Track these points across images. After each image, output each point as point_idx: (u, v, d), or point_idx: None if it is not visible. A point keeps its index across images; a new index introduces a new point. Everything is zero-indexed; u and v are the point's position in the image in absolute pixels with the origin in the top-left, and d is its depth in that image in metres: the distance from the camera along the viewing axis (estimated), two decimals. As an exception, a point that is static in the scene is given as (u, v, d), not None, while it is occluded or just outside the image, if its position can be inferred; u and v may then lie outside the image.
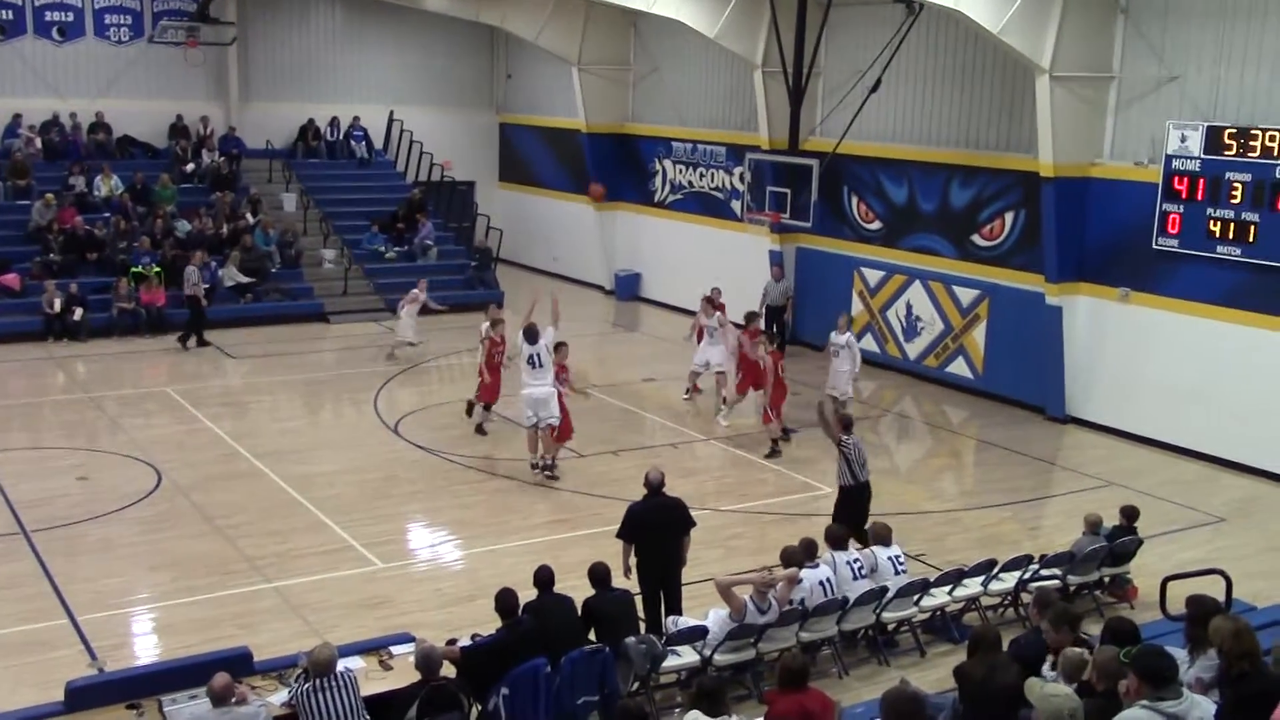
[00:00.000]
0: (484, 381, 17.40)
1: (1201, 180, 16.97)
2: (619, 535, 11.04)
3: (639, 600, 10.62)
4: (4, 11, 26.60)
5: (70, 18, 27.27)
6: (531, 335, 15.47)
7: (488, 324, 17.97)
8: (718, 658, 10.05)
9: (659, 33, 27.12)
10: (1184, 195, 17.22)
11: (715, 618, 10.22)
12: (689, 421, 18.55)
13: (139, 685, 8.61)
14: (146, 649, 11.04)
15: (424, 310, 22.33)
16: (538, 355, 15.37)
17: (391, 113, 30.83)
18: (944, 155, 21.23)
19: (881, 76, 20.56)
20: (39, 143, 26.65)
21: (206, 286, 24.07)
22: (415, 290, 22.29)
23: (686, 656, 10.08)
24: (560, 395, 15.66)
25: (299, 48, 29.95)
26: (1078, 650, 7.99)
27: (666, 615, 10.74)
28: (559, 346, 15.79)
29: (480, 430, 17.42)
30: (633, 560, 10.94)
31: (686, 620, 10.47)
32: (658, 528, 10.99)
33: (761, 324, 19.04)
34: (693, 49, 26.02)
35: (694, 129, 26.91)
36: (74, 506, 14.16)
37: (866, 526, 12.12)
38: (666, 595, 10.96)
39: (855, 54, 22.19)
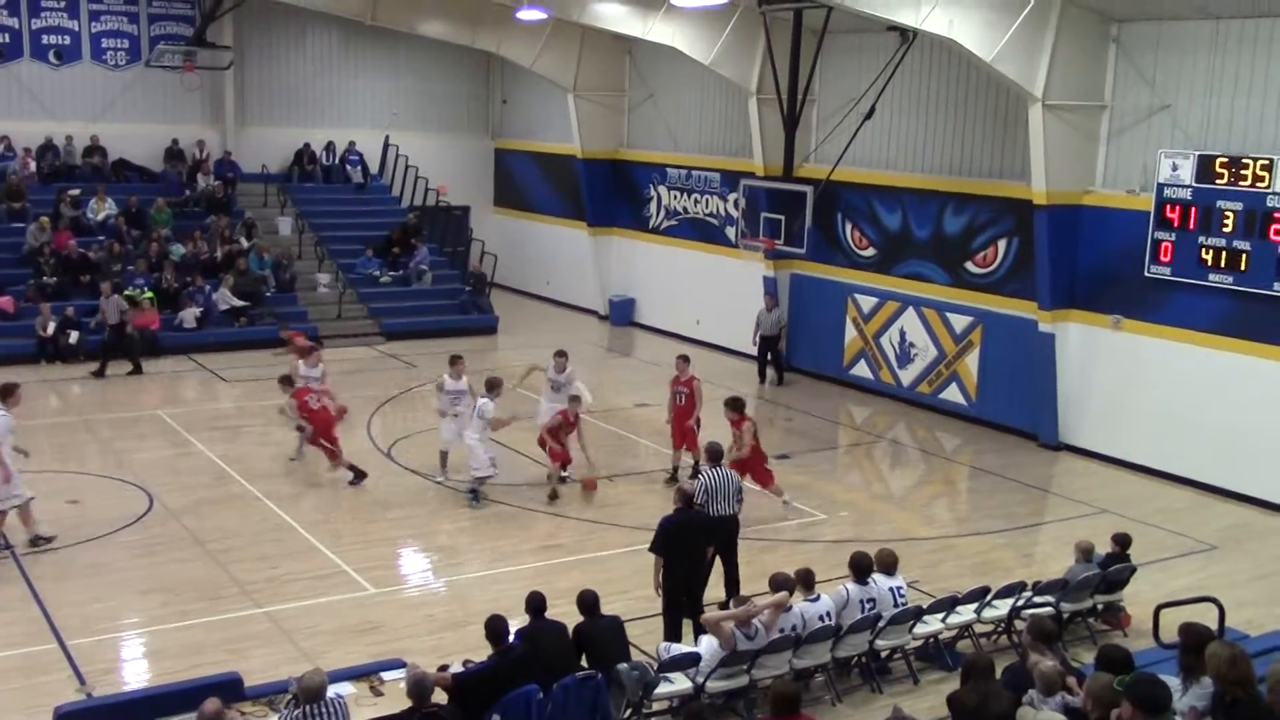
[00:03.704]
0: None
1: (1193, 209, 17.04)
2: (651, 549, 11.31)
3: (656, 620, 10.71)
4: (1, 35, 26.66)
5: (67, 41, 27.35)
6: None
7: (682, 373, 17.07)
8: (710, 684, 10.01)
9: (654, 59, 27.26)
10: (1176, 224, 17.28)
11: (708, 645, 10.19)
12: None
13: (128, 710, 8.60)
14: (136, 674, 10.97)
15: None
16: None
17: (387, 137, 30.91)
18: (937, 182, 21.32)
19: (875, 104, 20.67)
20: (34, 165, 26.70)
21: (201, 311, 24.19)
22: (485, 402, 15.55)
23: (679, 683, 10.04)
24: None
25: (295, 72, 30.07)
26: (1051, 664, 8.04)
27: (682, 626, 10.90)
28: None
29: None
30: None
31: (679, 647, 10.45)
32: (688, 541, 11.29)
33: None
34: (688, 76, 26.13)
35: (688, 155, 27.02)
36: (65, 530, 14.08)
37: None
38: (690, 606, 11.20)
39: (849, 81, 22.30)
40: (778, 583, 10.42)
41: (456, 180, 31.72)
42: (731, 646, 9.98)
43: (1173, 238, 17.34)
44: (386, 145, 30.94)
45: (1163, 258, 17.50)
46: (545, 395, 17.19)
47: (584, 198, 29.36)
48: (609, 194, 29.13)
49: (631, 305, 29.10)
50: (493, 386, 15.52)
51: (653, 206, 28.24)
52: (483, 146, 33.22)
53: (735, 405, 15.44)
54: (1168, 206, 17.33)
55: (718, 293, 25.79)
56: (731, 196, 25.50)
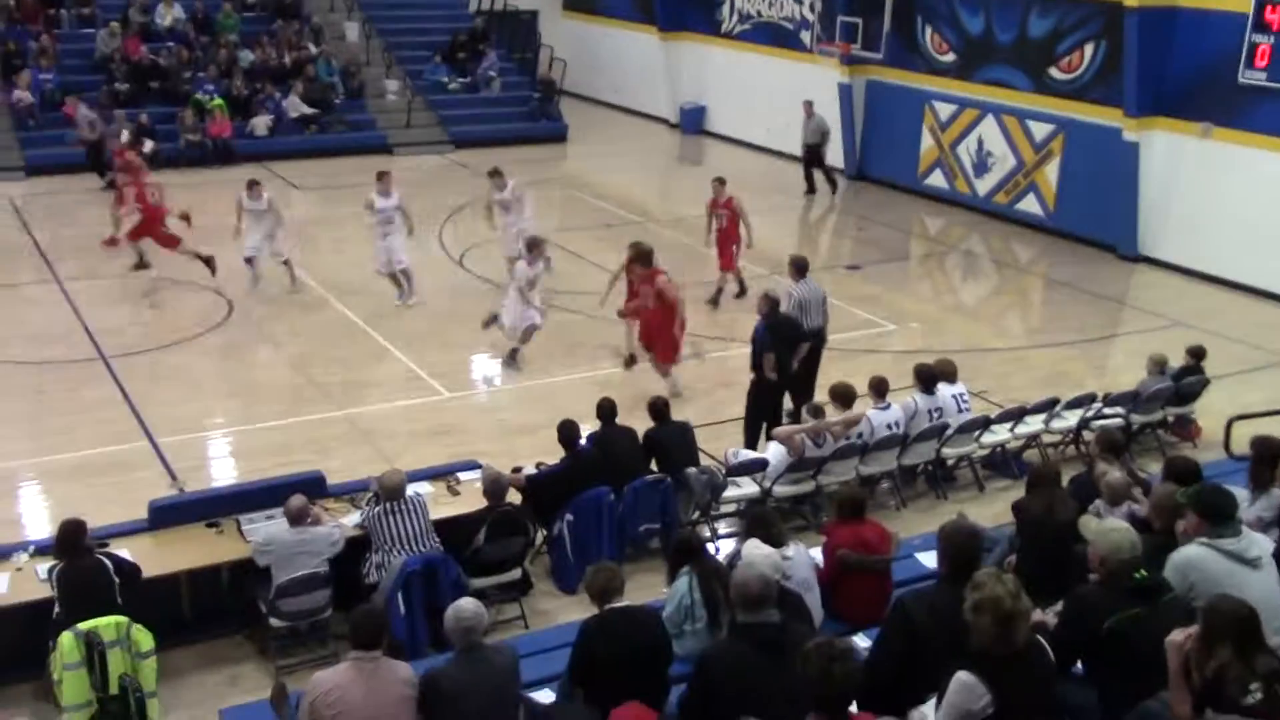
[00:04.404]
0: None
1: (1295, 9, 16.22)
2: (758, 349, 11.35)
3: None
4: None
5: None
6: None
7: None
8: (777, 489, 10.21)
9: None
10: (1275, 26, 16.47)
11: (775, 451, 10.35)
12: (750, 255, 18.41)
13: (218, 505, 8.96)
14: (224, 471, 11.43)
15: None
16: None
17: (453, -62, 30.13)
18: (1023, -18, 20.41)
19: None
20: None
21: (272, 119, 24.15)
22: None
23: (746, 487, 10.26)
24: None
25: None
26: (1118, 474, 8.08)
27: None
28: None
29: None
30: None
31: (746, 453, 10.63)
32: (781, 343, 11.43)
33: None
34: None
35: (763, -45, 26.07)
36: (148, 334, 14.49)
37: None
38: (772, 412, 11.45)
39: (934, -126, 21.19)
40: (838, 392, 10.49)
41: (524, -18, 30.98)
42: (800, 454, 10.13)
43: (1271, 41, 16.56)
44: (452, -54, 30.17)
45: (1259, 62, 16.75)
46: (500, 222, 16.04)
47: (655, 0, 28.53)
48: (681, -5, 28.28)
49: (703, 113, 28.55)
50: (533, 247, 13.86)
51: (726, 9, 27.40)
52: (550, -54, 32.29)
53: (645, 259, 13.05)
54: (1269, 8, 16.49)
55: (792, 100, 25.15)
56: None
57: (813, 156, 22.83)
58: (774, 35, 26.10)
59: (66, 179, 21.70)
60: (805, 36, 24.95)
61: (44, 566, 7.82)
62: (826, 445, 10.26)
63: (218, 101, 23.90)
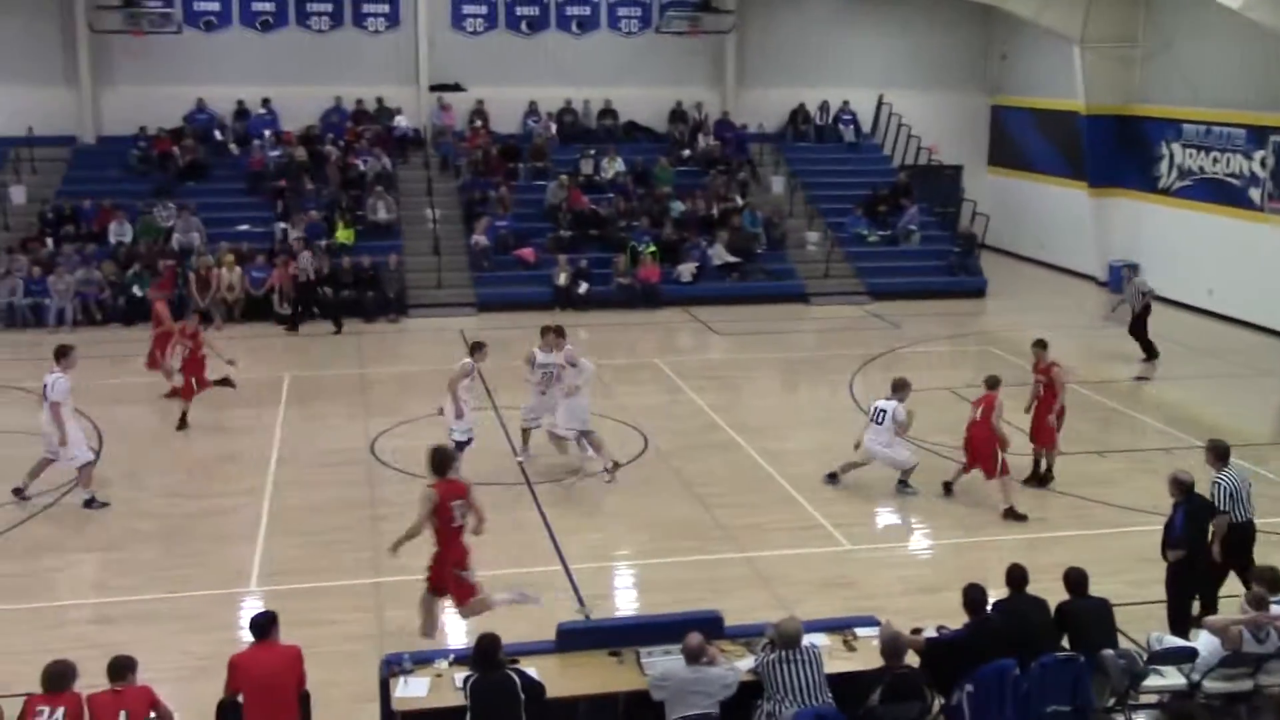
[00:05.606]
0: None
1: None
2: (1169, 544, 10.66)
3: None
4: (533, 8, 29.25)
5: (588, 12, 29.54)
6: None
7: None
8: (1208, 684, 9.25)
9: (1173, 5, 25.15)
10: None
11: (1206, 641, 9.40)
12: (1186, 426, 17.14)
13: (620, 635, 9.23)
14: (626, 602, 11.80)
15: None
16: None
17: (881, 96, 30.76)
18: None
19: None
20: (554, 128, 29.07)
21: (697, 265, 25.33)
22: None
23: (1171, 678, 9.36)
24: None
25: (793, 33, 30.50)
26: None
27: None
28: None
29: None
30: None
31: (1172, 639, 9.73)
32: (1199, 528, 10.70)
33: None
34: (1211, 22, 23.82)
35: (1209, 109, 24.71)
36: (571, 464, 15.29)
37: None
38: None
39: None
40: (1265, 578, 9.45)
41: (949, 139, 31.02)
42: (1236, 647, 9.16)
43: None
44: (880, 104, 30.79)
45: None
46: (538, 389, 15.14)
47: (1086, 156, 27.71)
48: (1114, 152, 27.28)
49: (1134, 271, 27.14)
50: (899, 388, 14.24)
51: (1164, 165, 26.16)
52: (978, 104, 32.17)
53: (437, 467, 10.23)
54: None
55: (1237, 260, 23.50)
56: (1258, 155, 23.11)
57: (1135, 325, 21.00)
58: (1218, 192, 24.56)
59: (513, 315, 23.61)
60: (1254, 194, 23.31)
61: (460, 675, 8.33)
62: (1269, 641, 9.20)
63: (652, 249, 25.42)
